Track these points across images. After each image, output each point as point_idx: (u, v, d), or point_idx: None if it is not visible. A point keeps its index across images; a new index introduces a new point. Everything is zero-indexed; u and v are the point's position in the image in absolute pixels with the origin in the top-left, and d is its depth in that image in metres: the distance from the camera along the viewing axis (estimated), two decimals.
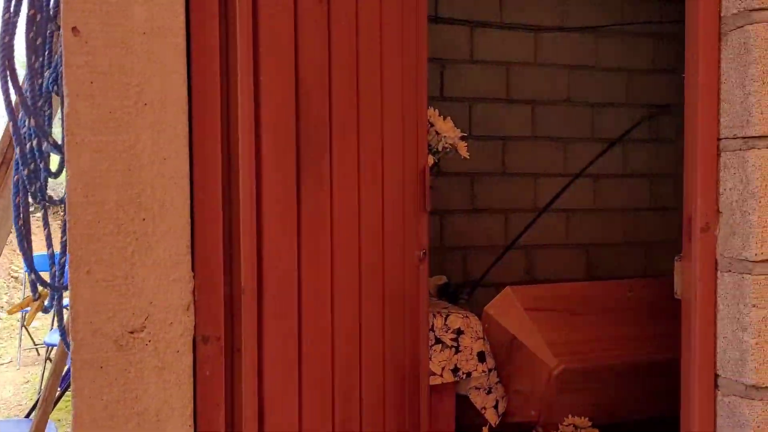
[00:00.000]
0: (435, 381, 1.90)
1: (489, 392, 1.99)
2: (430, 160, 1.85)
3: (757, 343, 1.23)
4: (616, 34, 4.40)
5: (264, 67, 1.26)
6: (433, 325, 1.92)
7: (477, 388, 1.98)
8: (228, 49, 1.22)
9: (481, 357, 1.93)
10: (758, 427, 1.23)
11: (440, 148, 1.88)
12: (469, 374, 1.91)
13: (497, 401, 2.01)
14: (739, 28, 1.23)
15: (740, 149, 1.24)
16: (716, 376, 1.32)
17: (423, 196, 1.82)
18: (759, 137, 1.21)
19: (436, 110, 1.88)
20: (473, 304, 3.24)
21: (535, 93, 4.25)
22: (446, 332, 1.93)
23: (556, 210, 4.26)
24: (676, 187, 4.50)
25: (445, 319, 1.94)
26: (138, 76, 1.14)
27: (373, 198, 1.60)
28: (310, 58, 1.35)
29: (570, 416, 2.11)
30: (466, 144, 1.96)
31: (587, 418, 2.11)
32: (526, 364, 2.07)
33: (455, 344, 1.92)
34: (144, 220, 1.16)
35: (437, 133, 1.86)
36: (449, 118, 1.91)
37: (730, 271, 1.27)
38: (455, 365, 1.91)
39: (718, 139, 1.29)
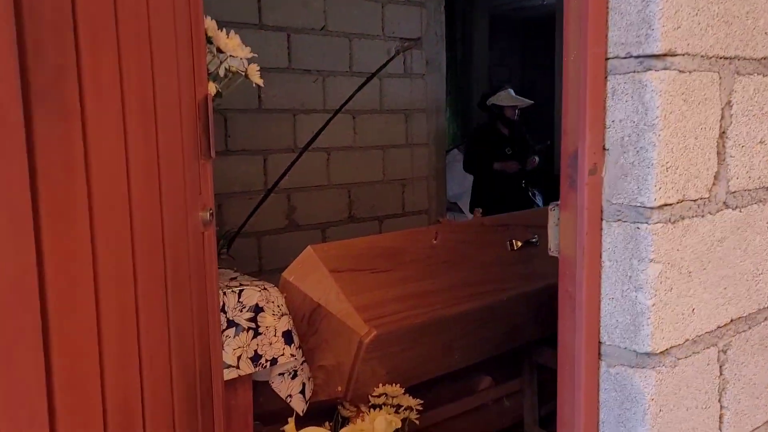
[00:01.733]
0: (230, 375, 1.48)
1: (294, 376, 1.63)
2: (212, 88, 1.36)
3: (653, 304, 1.04)
4: None
5: None
6: (224, 305, 1.48)
7: (280, 374, 1.61)
8: None
9: (288, 338, 1.55)
10: (653, 399, 1.05)
11: (222, 73, 1.40)
12: (274, 361, 1.53)
13: (304, 385, 1.66)
14: None
15: (635, 71, 1.01)
16: (600, 344, 1.11)
17: (205, 138, 1.34)
18: (660, 56, 0.98)
19: (214, 20, 1.38)
20: (236, 263, 2.79)
21: (290, 20, 3.82)
22: (241, 311, 1.51)
23: (316, 149, 3.95)
24: (429, 123, 4.50)
25: (239, 296, 1.51)
26: None
27: (145, 139, 1.09)
28: None
29: (381, 385, 1.85)
30: (258, 67, 1.50)
31: (398, 385, 1.87)
32: (332, 335, 1.74)
33: (254, 325, 1.51)
34: None
35: (220, 51, 1.37)
36: (234, 32, 1.42)
37: (619, 220, 1.05)
38: (255, 352, 1.51)
39: (606, 59, 1.05)
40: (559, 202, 1.14)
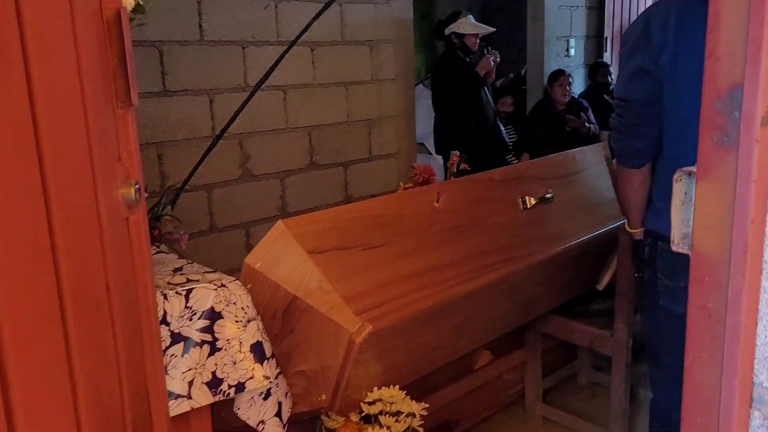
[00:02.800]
0: (180, 408, 1.06)
1: (267, 396, 1.22)
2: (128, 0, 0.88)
3: None
4: None
5: None
6: (165, 314, 1.04)
7: (249, 398, 1.19)
8: None
9: (259, 352, 1.13)
10: None
11: None
12: (240, 386, 1.11)
13: (280, 405, 1.25)
14: None
15: None
16: (752, 385, 0.72)
17: (122, 75, 0.87)
18: None
19: None
20: (183, 225, 2.31)
21: None
22: (191, 320, 1.07)
23: (270, 88, 3.44)
24: (396, 56, 4.00)
25: (186, 299, 1.07)
26: None
27: (9, 79, 0.62)
28: None
29: (375, 389, 1.46)
30: None
31: (397, 387, 1.48)
32: (314, 334, 1.33)
33: (209, 338, 1.08)
34: None
35: None
36: None
37: None
38: (213, 374, 1.08)
39: None
40: (692, 169, 0.72)
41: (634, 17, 5.84)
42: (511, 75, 7.30)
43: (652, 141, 1.54)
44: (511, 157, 4.85)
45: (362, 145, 3.91)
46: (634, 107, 1.52)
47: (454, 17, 4.21)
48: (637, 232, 1.70)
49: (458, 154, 3.71)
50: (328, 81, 3.67)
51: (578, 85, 5.34)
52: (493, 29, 4.30)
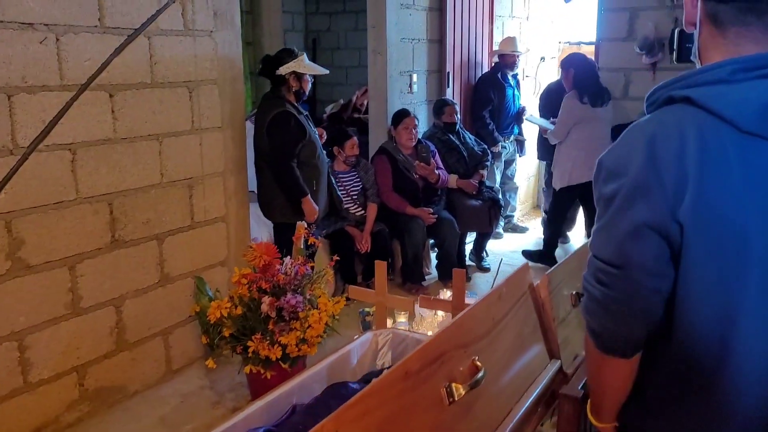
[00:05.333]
0: None
1: None
2: None
3: None
4: None
5: None
6: None
7: None
8: None
9: None
10: None
11: None
12: None
13: None
14: None
15: None
16: None
17: None
18: None
19: None
20: None
21: None
22: None
23: (53, 147, 2.56)
24: (222, 98, 3.27)
25: None
26: None
27: None
28: None
29: None
30: None
31: None
32: None
33: None
34: None
35: None
36: None
37: None
38: None
39: None
40: None
41: (475, 52, 5.57)
42: (341, 101, 6.80)
43: (652, 323, 1.05)
44: (356, 208, 4.31)
45: (182, 210, 3.14)
46: (632, 276, 1.02)
47: (288, 54, 3.54)
48: (607, 428, 1.22)
49: (305, 225, 3.09)
50: (135, 134, 2.86)
51: (422, 123, 4.95)
52: (325, 71, 3.71)
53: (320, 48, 8.00)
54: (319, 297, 2.87)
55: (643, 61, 5.18)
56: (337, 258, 3.16)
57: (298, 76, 3.54)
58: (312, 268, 2.95)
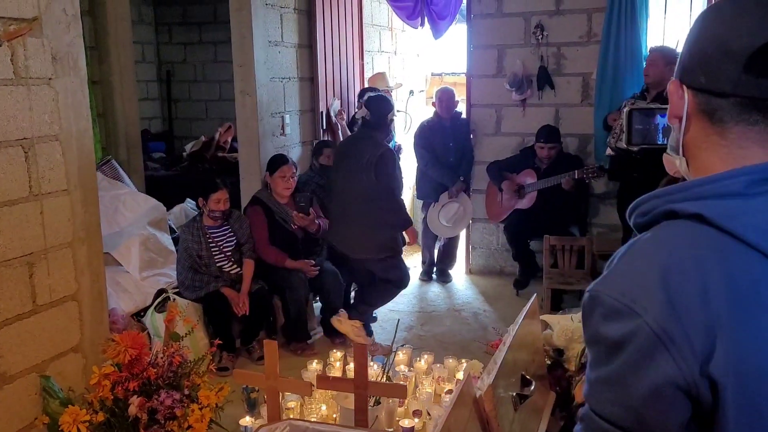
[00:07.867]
0: None
1: None
2: None
3: None
4: None
5: None
6: None
7: None
8: None
9: None
10: None
11: None
12: None
13: None
14: None
15: None
16: None
17: None
18: None
19: None
20: None
21: None
22: None
23: None
24: (66, 157, 2.76)
25: None
26: None
27: None
28: None
29: None
30: None
31: None
32: None
33: None
34: None
35: None
36: None
37: None
38: None
39: None
40: None
41: (348, 89, 5.34)
42: (203, 138, 6.32)
43: None
44: (230, 265, 3.89)
45: (20, 293, 2.59)
46: None
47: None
48: None
49: (177, 307, 2.65)
50: None
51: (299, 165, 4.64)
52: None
53: (175, 81, 7.43)
54: (200, 387, 2.45)
55: (513, 97, 5.22)
56: (219, 342, 2.75)
57: None
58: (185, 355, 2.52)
